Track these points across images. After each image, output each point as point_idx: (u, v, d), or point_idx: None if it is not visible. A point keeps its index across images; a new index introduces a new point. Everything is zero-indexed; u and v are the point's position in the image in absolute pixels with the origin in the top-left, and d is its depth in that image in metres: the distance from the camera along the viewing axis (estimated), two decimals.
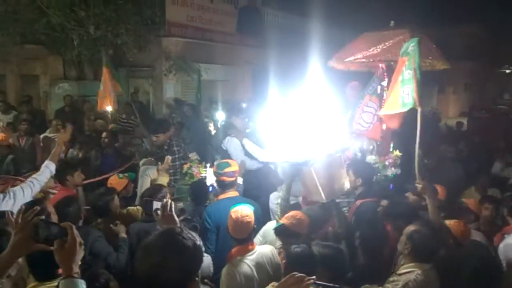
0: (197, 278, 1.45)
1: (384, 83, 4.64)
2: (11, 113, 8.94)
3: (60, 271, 2.12)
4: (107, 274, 1.88)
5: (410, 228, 2.73)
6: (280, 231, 2.94)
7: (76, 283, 1.41)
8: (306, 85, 3.00)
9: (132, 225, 3.37)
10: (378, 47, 4.52)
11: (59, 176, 3.82)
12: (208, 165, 5.14)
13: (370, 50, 4.57)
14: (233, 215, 2.78)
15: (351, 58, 4.74)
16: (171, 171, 4.87)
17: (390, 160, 4.54)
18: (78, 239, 1.40)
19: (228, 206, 3.00)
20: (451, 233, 3.09)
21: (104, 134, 6.76)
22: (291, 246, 2.48)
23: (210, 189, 4.38)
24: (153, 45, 9.53)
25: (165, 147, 4.91)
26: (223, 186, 3.61)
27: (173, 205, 1.97)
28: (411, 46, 3.44)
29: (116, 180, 4.43)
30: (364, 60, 4.65)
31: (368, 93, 4.68)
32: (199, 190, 4.18)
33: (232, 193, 3.59)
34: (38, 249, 1.45)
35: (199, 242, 1.47)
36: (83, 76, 10.14)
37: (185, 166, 4.91)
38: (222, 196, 3.59)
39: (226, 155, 4.95)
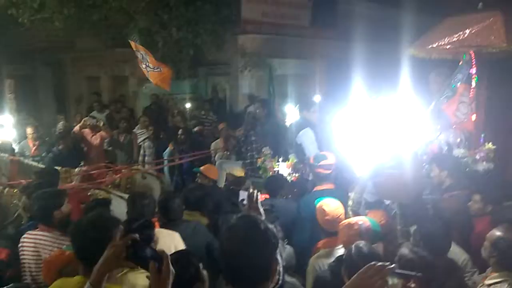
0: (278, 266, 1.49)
1: (473, 71, 4.32)
2: (105, 112, 9.89)
3: None
4: (197, 262, 1.96)
5: (495, 233, 2.46)
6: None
7: None
8: (387, 80, 2.93)
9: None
10: (465, 31, 4.21)
11: None
12: (280, 159, 5.22)
13: (456, 36, 4.28)
14: (326, 208, 2.83)
15: (434, 45, 4.47)
16: (248, 163, 5.07)
17: (482, 154, 4.19)
18: (171, 268, 1.39)
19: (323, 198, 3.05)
20: None
21: (180, 131, 7.08)
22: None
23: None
24: (230, 43, 9.84)
25: (241, 139, 5.12)
26: (319, 178, 3.64)
27: (259, 196, 2.04)
28: None
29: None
30: (448, 46, 4.36)
31: (462, 82, 4.36)
32: (274, 183, 4.26)
33: (328, 186, 3.61)
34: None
35: (276, 230, 1.52)
36: None
37: (259, 160, 5.06)
38: (318, 188, 3.63)
39: (300, 149, 4.96)
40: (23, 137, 6.58)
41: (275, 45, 10.57)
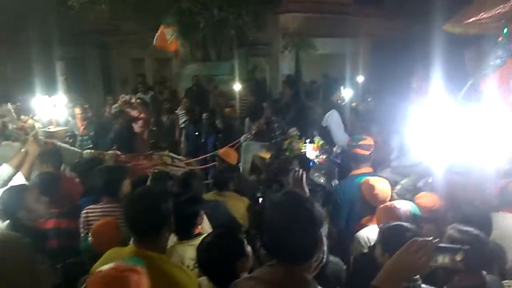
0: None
1: None
2: (149, 93, 10.16)
3: (197, 230, 2.41)
4: (242, 238, 2.01)
5: None
6: None
7: None
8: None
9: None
10: (506, 4, 3.85)
11: None
12: (307, 140, 5.14)
13: (497, 9, 3.93)
14: (375, 184, 2.78)
15: (472, 19, 4.13)
16: (273, 144, 5.02)
17: None
18: None
19: None
20: None
21: (204, 115, 6.91)
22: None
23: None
24: (271, 22, 9.71)
25: (265, 120, 5.09)
26: (356, 160, 3.49)
27: (304, 175, 2.04)
28: None
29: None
30: (488, 21, 4.02)
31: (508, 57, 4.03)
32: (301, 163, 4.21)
33: (366, 169, 3.44)
34: None
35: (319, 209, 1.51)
36: (208, 57, 10.87)
37: (286, 142, 4.99)
38: (356, 172, 3.45)
39: (326, 132, 4.82)
40: (73, 117, 6.90)
41: (317, 24, 10.30)
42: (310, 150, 4.98)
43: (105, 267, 1.30)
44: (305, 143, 5.04)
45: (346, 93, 7.60)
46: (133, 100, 6.40)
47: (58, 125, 6.17)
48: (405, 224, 2.20)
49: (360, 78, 9.49)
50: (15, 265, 1.39)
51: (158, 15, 9.16)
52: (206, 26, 8.72)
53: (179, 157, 5.44)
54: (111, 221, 2.49)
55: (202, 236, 2.19)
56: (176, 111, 8.29)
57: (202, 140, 6.71)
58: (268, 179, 3.79)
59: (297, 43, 9.77)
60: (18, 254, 1.42)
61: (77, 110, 6.60)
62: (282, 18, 10.01)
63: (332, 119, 4.72)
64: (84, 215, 3.00)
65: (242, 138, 5.85)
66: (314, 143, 5.06)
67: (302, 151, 4.92)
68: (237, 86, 8.41)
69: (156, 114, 8.59)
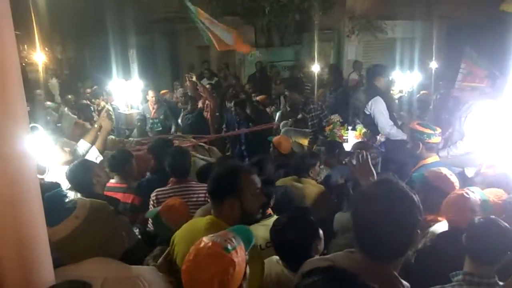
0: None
1: None
2: (214, 79, 10.40)
3: (268, 211, 2.45)
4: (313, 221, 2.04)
5: None
6: None
7: None
8: None
9: None
10: None
11: None
12: (350, 127, 4.93)
13: None
14: (445, 172, 2.64)
15: None
16: (311, 132, 4.86)
17: None
18: None
19: None
20: None
21: (232, 104, 6.67)
22: None
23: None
24: (337, 6, 9.43)
25: (300, 106, 4.95)
26: (430, 149, 3.35)
27: (369, 156, 1.97)
28: None
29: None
30: None
31: None
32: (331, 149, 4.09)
33: (434, 158, 3.33)
34: None
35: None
36: (271, 43, 10.86)
37: (327, 128, 4.80)
38: (424, 162, 3.31)
39: (368, 119, 4.54)
40: (145, 101, 7.27)
41: (386, 6, 9.82)
42: (353, 138, 4.82)
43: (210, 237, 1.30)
44: (347, 130, 4.89)
45: (409, 80, 7.17)
46: (198, 86, 6.54)
47: (132, 108, 6.53)
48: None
49: (434, 64, 8.93)
50: (105, 227, 1.50)
51: (224, 1, 9.30)
52: (272, 11, 8.68)
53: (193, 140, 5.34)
54: (178, 201, 2.58)
55: (273, 217, 2.21)
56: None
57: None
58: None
59: (364, 27, 9.40)
60: (106, 217, 1.53)
61: (150, 93, 6.90)
62: (349, 1, 9.67)
63: (376, 106, 4.43)
64: (154, 196, 3.16)
65: (281, 125, 5.78)
66: (356, 130, 4.90)
67: (344, 138, 4.78)
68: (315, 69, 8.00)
69: (220, 100, 8.78)
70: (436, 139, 3.37)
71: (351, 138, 4.95)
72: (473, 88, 4.01)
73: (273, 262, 2.02)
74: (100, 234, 1.48)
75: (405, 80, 7.99)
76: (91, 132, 3.76)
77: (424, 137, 3.35)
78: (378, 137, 4.66)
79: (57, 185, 2.43)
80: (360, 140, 4.86)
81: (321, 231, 1.98)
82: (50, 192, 1.54)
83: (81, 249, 1.44)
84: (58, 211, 1.46)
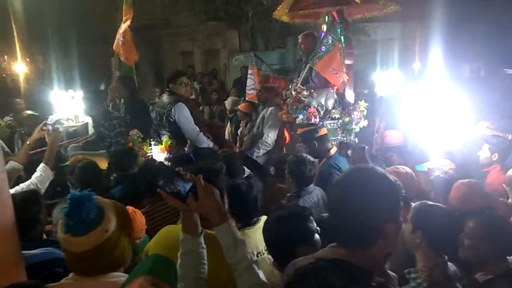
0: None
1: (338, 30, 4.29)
2: (199, 85, 10.32)
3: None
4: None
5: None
6: None
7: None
8: None
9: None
10: None
11: None
12: (152, 142, 4.44)
13: None
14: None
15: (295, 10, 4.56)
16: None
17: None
18: (209, 187, 1.34)
19: None
20: None
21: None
22: None
23: None
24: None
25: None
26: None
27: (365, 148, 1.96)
28: None
29: None
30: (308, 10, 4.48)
31: (337, 41, 4.28)
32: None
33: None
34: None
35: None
36: (256, 47, 10.84)
37: (126, 147, 4.20)
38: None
39: (174, 128, 4.25)
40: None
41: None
42: (158, 153, 4.28)
43: None
44: (150, 145, 4.34)
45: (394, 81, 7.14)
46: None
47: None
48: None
49: (417, 65, 9.01)
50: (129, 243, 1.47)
51: (207, 7, 9.26)
52: (254, 15, 8.67)
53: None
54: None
55: None
56: (225, 102, 8.34)
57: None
58: None
59: (348, 31, 9.44)
60: None
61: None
62: None
63: (180, 112, 4.16)
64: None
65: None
66: (161, 144, 4.37)
67: (148, 155, 4.24)
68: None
69: (205, 105, 8.73)
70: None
71: (155, 153, 4.32)
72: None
73: (265, 261, 1.98)
74: (126, 250, 1.41)
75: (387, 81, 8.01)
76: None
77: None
78: (186, 148, 4.27)
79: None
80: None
81: (316, 236, 1.88)
82: (76, 195, 1.32)
83: (103, 264, 1.36)
84: (84, 220, 1.31)
